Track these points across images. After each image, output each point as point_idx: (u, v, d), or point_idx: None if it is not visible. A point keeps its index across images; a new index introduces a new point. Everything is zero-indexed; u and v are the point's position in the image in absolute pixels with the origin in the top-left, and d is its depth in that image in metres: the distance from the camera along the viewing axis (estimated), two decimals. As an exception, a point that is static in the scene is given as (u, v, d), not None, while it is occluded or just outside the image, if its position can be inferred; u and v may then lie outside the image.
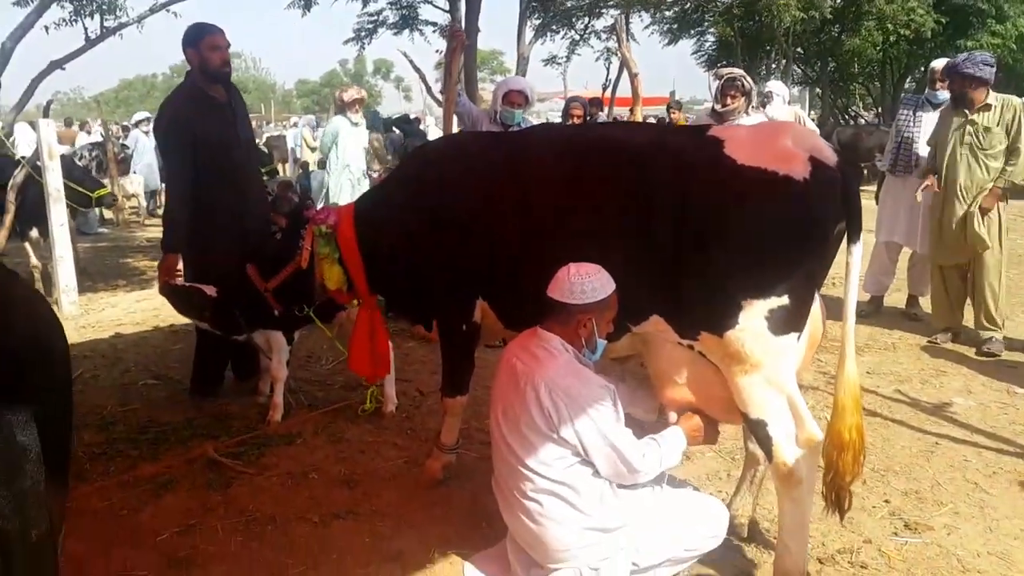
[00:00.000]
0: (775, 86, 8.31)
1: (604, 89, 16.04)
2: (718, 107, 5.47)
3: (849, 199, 2.70)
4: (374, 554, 3.25)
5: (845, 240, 2.77)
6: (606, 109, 14.79)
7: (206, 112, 4.51)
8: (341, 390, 5.17)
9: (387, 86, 63.41)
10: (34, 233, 7.94)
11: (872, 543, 3.29)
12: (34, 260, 8.14)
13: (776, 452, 2.74)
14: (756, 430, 2.78)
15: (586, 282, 2.70)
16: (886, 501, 3.64)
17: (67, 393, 1.91)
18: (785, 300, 2.67)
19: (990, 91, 5.59)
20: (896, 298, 7.01)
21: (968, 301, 5.94)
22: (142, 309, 7.44)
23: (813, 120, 19.95)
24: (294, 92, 71.05)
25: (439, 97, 8.12)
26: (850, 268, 2.74)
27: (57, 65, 9.13)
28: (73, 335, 6.63)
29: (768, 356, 2.70)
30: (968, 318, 6.00)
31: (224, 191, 4.54)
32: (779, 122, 3.74)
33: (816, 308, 2.88)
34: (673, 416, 3.01)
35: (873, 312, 6.74)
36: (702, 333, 2.78)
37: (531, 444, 2.70)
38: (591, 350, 2.83)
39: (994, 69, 5.56)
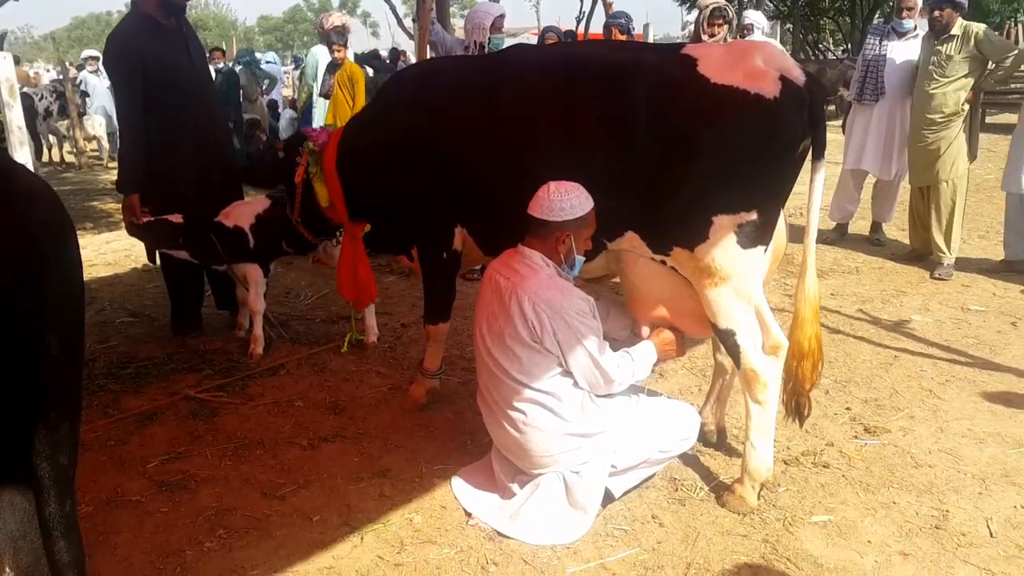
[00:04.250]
0: (755, 17, 8.27)
1: (578, 22, 15.75)
2: (705, 37, 5.55)
3: (815, 118, 2.79)
4: (364, 471, 3.38)
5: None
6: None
7: (157, 40, 4.36)
8: (322, 324, 5.24)
9: (354, 22, 61.70)
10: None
11: (834, 446, 3.50)
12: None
13: (744, 359, 2.89)
14: (725, 339, 2.92)
15: (565, 199, 2.79)
16: (847, 408, 3.85)
17: (81, 285, 1.89)
18: (753, 215, 2.78)
19: (961, 20, 5.71)
20: (861, 225, 7.21)
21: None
22: (113, 250, 7.39)
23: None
24: (256, 29, 68.92)
25: (410, 30, 8.02)
26: (814, 185, 2.86)
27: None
28: (44, 278, 6.58)
29: (737, 269, 2.82)
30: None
31: (182, 123, 4.44)
32: (750, 41, 3.79)
33: (781, 223, 3.00)
34: (646, 331, 3.14)
35: (838, 238, 6.96)
36: (674, 248, 2.90)
37: (515, 356, 2.82)
38: (570, 266, 2.94)
39: None
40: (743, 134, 2.73)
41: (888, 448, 3.48)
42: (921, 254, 6.23)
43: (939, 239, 5.93)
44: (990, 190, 8.55)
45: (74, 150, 13.73)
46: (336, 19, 8.22)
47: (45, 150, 13.88)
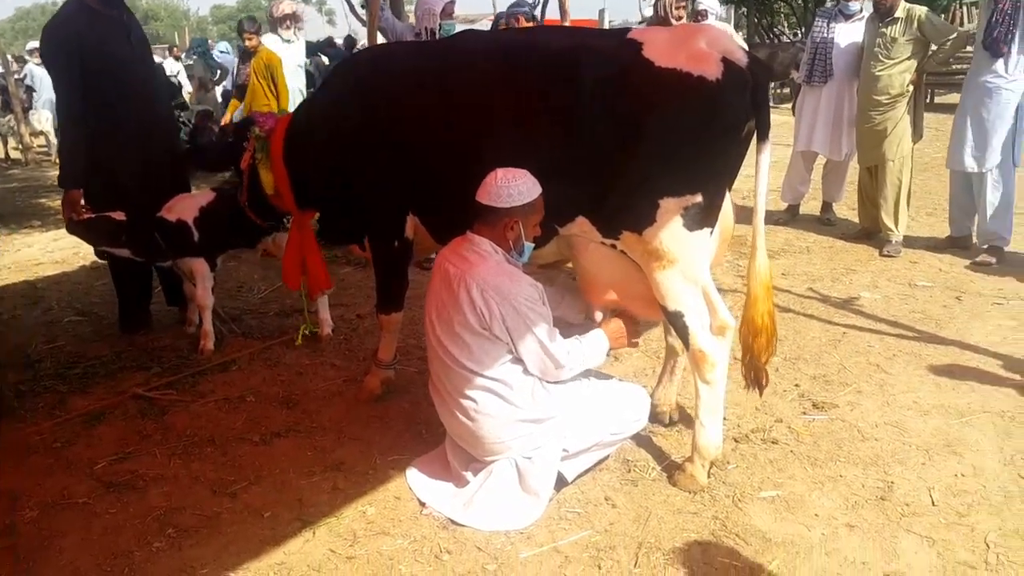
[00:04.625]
0: (708, 2, 8.30)
1: (532, 8, 15.67)
2: (673, 21, 5.70)
3: (759, 100, 2.81)
4: (317, 464, 3.34)
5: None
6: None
7: (96, 29, 4.24)
8: (275, 317, 5.18)
9: (310, 10, 60.78)
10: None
11: (783, 422, 3.56)
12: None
13: (693, 339, 2.92)
14: (674, 321, 2.94)
15: (512, 186, 2.78)
16: (796, 385, 3.92)
17: None
18: (698, 198, 2.80)
19: (904, 3, 5.80)
20: (813, 205, 7.31)
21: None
22: (60, 248, 7.20)
23: (743, 39, 20.13)
24: (209, 19, 67.58)
25: (364, 17, 7.88)
26: (759, 166, 2.88)
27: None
28: (-10, 277, 6.42)
29: (683, 251, 2.84)
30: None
31: (124, 114, 4.33)
32: (695, 24, 3.81)
33: (727, 205, 3.03)
34: (599, 315, 3.16)
35: (790, 219, 7.06)
36: (623, 232, 2.90)
37: (465, 343, 2.81)
38: (518, 253, 2.93)
39: None
40: (686, 117, 2.73)
41: (836, 423, 3.55)
42: (870, 232, 6.34)
43: (887, 217, 6.04)
44: (938, 168, 8.71)
45: (19, 146, 13.36)
46: (286, 7, 8.04)
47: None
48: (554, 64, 2.92)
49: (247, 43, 7.29)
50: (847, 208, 7.16)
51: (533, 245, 2.96)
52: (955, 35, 5.80)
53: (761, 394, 3.09)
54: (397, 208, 3.43)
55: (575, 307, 3.27)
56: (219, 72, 11.26)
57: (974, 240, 6.01)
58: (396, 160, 3.28)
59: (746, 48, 2.88)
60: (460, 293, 2.79)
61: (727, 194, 3.02)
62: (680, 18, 5.74)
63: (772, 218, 7.18)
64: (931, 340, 4.41)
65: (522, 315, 2.77)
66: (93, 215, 4.31)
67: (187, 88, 14.47)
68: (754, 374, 3.00)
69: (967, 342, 4.37)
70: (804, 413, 3.64)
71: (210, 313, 4.63)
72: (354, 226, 3.68)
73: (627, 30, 2.98)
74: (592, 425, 2.93)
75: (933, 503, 2.95)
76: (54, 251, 7.12)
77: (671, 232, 2.82)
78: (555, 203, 2.92)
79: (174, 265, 4.55)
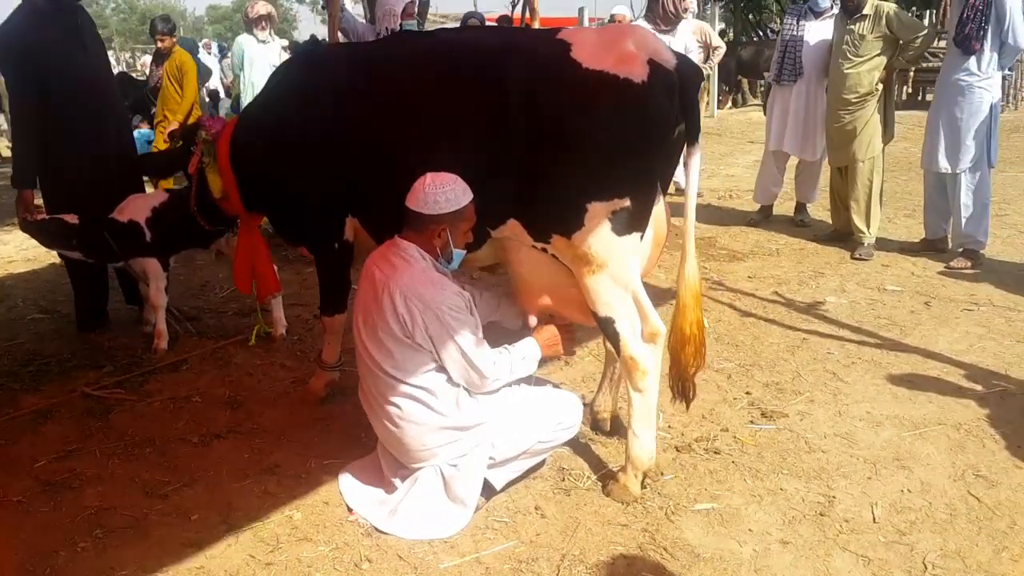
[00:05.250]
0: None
1: (512, 7, 15.55)
2: (683, 15, 5.90)
3: (687, 102, 2.76)
4: (251, 467, 3.30)
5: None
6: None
7: (47, 31, 4.25)
8: (234, 317, 5.14)
9: (303, 9, 60.83)
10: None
11: (728, 431, 3.49)
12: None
13: (623, 346, 2.86)
14: (605, 327, 2.89)
15: (440, 192, 2.73)
16: (747, 393, 3.85)
17: None
18: (627, 202, 2.75)
19: (871, 0, 5.72)
20: (787, 207, 7.24)
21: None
22: (34, 246, 7.08)
23: (726, 38, 20.01)
24: (205, 19, 67.64)
25: (354, 17, 7.84)
26: (689, 169, 2.83)
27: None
28: (-40, 275, 6.40)
29: (612, 256, 2.79)
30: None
31: (76, 114, 4.33)
32: (624, 25, 3.78)
33: (660, 209, 2.97)
34: (534, 321, 3.10)
35: (762, 220, 6.99)
36: (553, 236, 2.85)
37: (388, 350, 2.76)
38: (447, 260, 2.88)
39: None
40: (613, 119, 2.68)
41: (783, 433, 3.48)
42: (843, 234, 6.26)
43: (858, 219, 5.96)
44: (919, 169, 8.63)
45: (10, 144, 13.33)
46: (261, 7, 8.02)
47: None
48: (483, 64, 2.87)
49: (159, 45, 7.05)
50: (822, 209, 7.06)
51: (464, 252, 2.91)
52: (924, 32, 5.71)
53: (688, 408, 3.04)
54: (335, 210, 3.38)
55: (511, 312, 3.22)
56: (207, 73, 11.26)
57: (950, 244, 5.92)
58: (332, 162, 3.24)
59: (674, 50, 2.81)
60: (384, 299, 2.74)
61: (660, 198, 2.96)
62: (687, 9, 5.72)
63: (744, 219, 7.14)
64: (894, 347, 4.34)
65: (445, 324, 2.71)
66: (46, 217, 4.31)
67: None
68: (681, 386, 2.94)
69: (931, 350, 4.30)
70: (751, 422, 3.58)
71: (163, 312, 4.59)
72: (296, 227, 3.64)
73: (558, 30, 2.92)
74: (521, 433, 2.87)
75: (874, 520, 2.88)
76: (28, 249, 7.07)
77: (599, 236, 2.76)
78: (487, 205, 2.87)
79: (126, 266, 4.53)
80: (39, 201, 4.50)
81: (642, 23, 5.98)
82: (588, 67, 2.71)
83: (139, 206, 4.45)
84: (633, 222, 2.78)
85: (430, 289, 2.75)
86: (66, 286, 5.78)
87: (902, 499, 3.01)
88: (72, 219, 4.29)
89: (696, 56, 6.73)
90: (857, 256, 5.88)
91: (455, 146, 2.91)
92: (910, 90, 16.79)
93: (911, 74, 16.27)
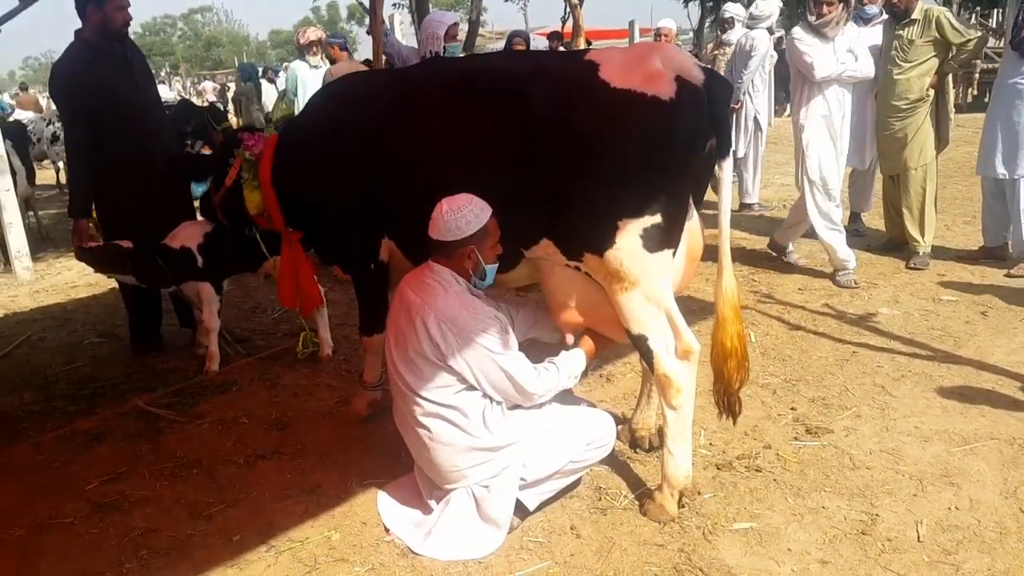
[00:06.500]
0: (734, 9, 8.10)
1: (563, 23, 15.69)
2: (812, 18, 5.36)
3: (716, 116, 2.73)
4: (293, 488, 3.36)
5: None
6: (567, 43, 14.58)
7: (99, 68, 4.44)
8: (283, 338, 5.24)
9: (362, 32, 62.10)
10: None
11: (771, 448, 3.41)
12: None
13: (657, 364, 2.83)
14: (638, 344, 2.86)
15: (458, 217, 2.76)
16: (792, 409, 3.76)
17: None
18: (658, 219, 2.73)
19: (921, 4, 5.57)
20: (843, 216, 7.04)
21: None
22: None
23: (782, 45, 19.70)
24: (268, 43, 69.63)
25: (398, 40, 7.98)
26: (721, 183, 2.80)
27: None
28: (27, 300, 6.69)
29: (645, 273, 2.77)
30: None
31: (126, 144, 4.50)
32: (651, 43, 3.73)
33: (694, 224, 2.94)
34: (569, 338, 3.09)
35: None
36: (585, 254, 2.85)
37: (420, 371, 2.79)
38: (480, 278, 2.90)
39: None
40: (641, 137, 2.67)
41: (827, 449, 3.39)
42: (898, 243, 6.08)
43: (912, 228, 5.79)
44: (980, 174, 8.38)
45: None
46: (311, 33, 8.25)
47: (53, 173, 14.08)
48: (513, 88, 2.89)
49: None
50: (878, 217, 6.88)
51: (496, 266, 2.92)
52: (977, 36, 5.52)
53: (735, 422, 2.98)
54: (370, 232, 3.43)
55: (549, 327, 3.22)
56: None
57: (1010, 251, 5.70)
58: (367, 185, 3.30)
59: (704, 65, 2.79)
60: (417, 323, 2.77)
61: (694, 213, 2.92)
62: (821, 16, 5.29)
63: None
64: (946, 359, 4.19)
65: (481, 347, 2.73)
66: (100, 243, 4.49)
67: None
68: (726, 400, 2.89)
69: (985, 361, 4.14)
70: (795, 439, 3.49)
71: (216, 335, 4.73)
72: (332, 248, 3.71)
73: (585, 51, 2.93)
74: (551, 454, 2.86)
75: (919, 539, 2.78)
76: (89, 274, 7.29)
77: (631, 254, 2.75)
78: (520, 226, 2.90)
79: (177, 291, 4.67)
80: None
81: (805, 35, 5.38)
82: (616, 87, 2.71)
83: (191, 232, 4.61)
84: (665, 239, 2.76)
85: (463, 314, 2.77)
86: (124, 310, 6.02)
87: (949, 517, 2.90)
88: (127, 245, 4.46)
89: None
90: (912, 266, 5.71)
91: (487, 169, 2.94)
92: (975, 92, 16.26)
93: (976, 76, 15.76)
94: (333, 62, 8.05)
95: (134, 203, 4.57)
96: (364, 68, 7.37)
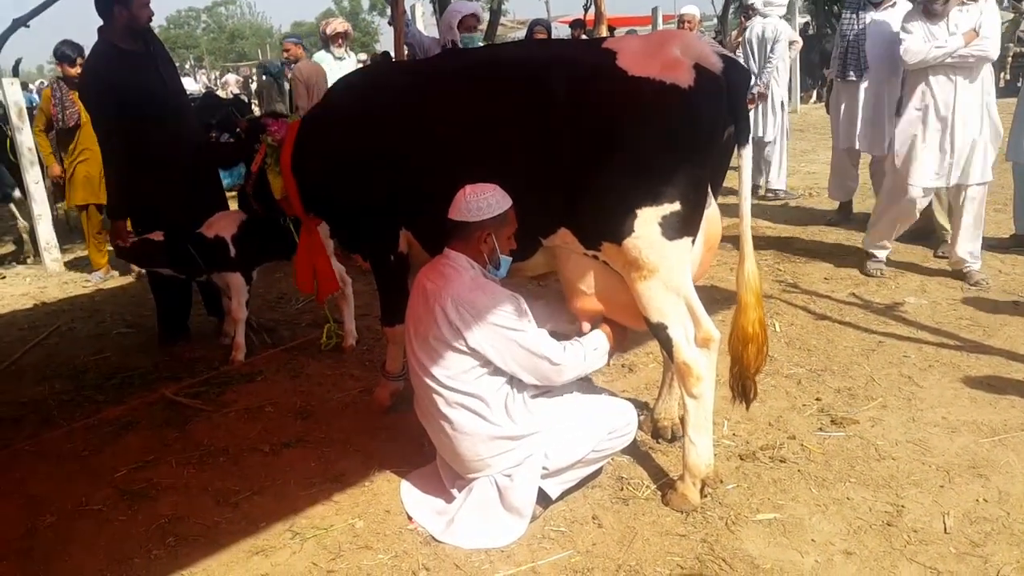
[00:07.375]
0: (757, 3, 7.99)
1: (586, 10, 15.59)
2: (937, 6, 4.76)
3: (735, 104, 2.71)
4: (317, 476, 3.39)
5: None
6: (590, 31, 14.47)
7: (125, 67, 4.48)
8: (308, 328, 5.29)
9: (383, 22, 62.19)
10: (17, 193, 8.02)
11: (796, 439, 3.38)
12: (22, 221, 8.26)
13: (676, 352, 2.82)
14: (657, 333, 2.85)
15: (481, 199, 2.77)
16: (817, 399, 3.72)
17: None
18: (677, 206, 2.71)
19: None
20: (868, 204, 6.94)
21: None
22: (122, 263, 7.55)
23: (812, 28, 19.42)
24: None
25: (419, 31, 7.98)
26: (741, 171, 2.77)
27: (21, 23, 9.02)
28: (56, 291, 6.81)
29: (664, 261, 2.76)
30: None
31: (155, 139, 4.54)
32: (670, 31, 3.71)
33: (712, 212, 2.92)
34: (587, 327, 3.09)
35: (842, 220, 6.74)
36: (603, 243, 2.84)
37: (440, 357, 2.80)
38: (495, 266, 2.91)
39: None
40: (659, 125, 2.67)
41: (853, 440, 3.35)
42: (926, 232, 5.97)
43: (940, 216, 5.68)
44: (1016, 161, 8.20)
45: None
46: (337, 25, 8.26)
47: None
48: (531, 77, 2.89)
49: (69, 72, 6.63)
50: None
51: (510, 259, 2.93)
52: (1007, 20, 5.38)
53: (748, 407, 2.97)
54: (389, 223, 3.45)
55: (566, 316, 3.21)
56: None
57: (1042, 238, 5.59)
58: (386, 176, 3.31)
59: (724, 52, 2.76)
60: (435, 309, 2.78)
61: (712, 201, 2.90)
62: None
63: (824, 218, 6.91)
64: (975, 350, 4.13)
65: (500, 327, 2.73)
66: (136, 239, 4.57)
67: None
68: (741, 385, 2.88)
69: (1016, 351, 4.07)
70: (820, 429, 3.46)
71: (243, 325, 4.78)
72: (352, 237, 3.74)
73: (604, 39, 2.92)
74: (572, 443, 2.86)
75: (945, 530, 2.75)
76: (118, 265, 7.46)
77: (650, 242, 2.74)
78: (538, 214, 2.90)
79: (209, 279, 4.76)
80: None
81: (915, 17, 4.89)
82: (634, 75, 2.70)
83: (225, 222, 4.68)
84: (683, 227, 2.74)
85: (481, 295, 2.77)
86: (152, 300, 6.10)
87: (977, 509, 2.86)
88: (158, 236, 4.54)
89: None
90: (940, 254, 5.62)
91: (505, 158, 2.94)
92: (1007, 76, 15.92)
93: (1009, 59, 15.42)
94: (296, 61, 8.18)
95: (167, 196, 4.62)
96: (322, 68, 7.52)
